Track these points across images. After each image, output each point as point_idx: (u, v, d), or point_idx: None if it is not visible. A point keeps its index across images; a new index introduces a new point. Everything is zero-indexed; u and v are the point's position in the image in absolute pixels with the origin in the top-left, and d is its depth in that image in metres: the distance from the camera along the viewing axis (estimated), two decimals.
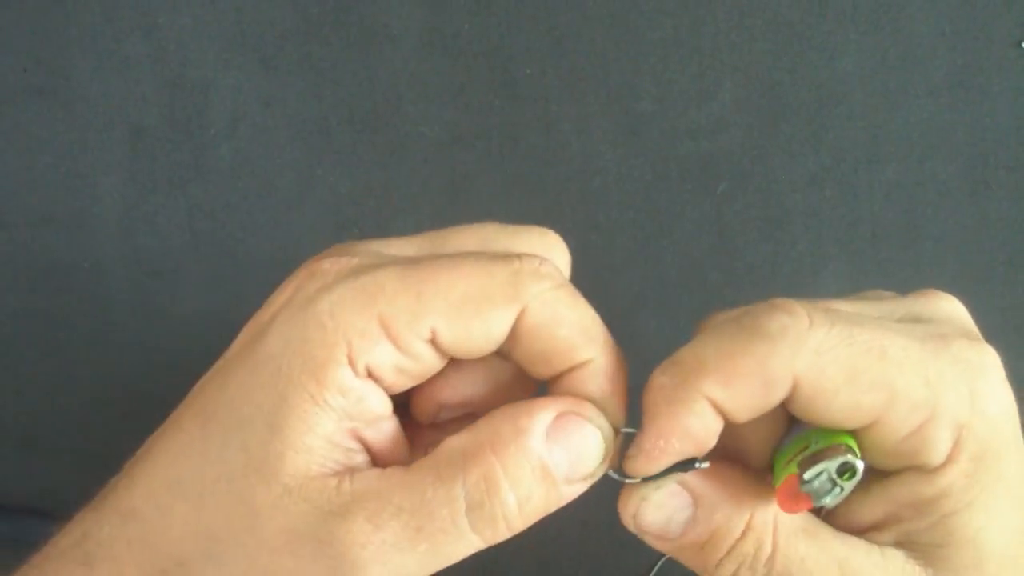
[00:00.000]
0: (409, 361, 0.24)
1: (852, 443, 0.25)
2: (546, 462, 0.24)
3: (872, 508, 0.26)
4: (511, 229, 0.27)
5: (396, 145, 0.45)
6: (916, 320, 0.27)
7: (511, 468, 0.24)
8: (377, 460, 0.25)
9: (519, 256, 0.25)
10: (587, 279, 0.45)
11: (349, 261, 0.24)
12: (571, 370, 0.25)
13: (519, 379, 0.27)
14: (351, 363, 0.23)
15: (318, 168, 0.45)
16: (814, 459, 0.25)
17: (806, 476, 0.25)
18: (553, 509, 0.25)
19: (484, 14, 0.44)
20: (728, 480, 0.27)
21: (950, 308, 0.28)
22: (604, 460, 0.26)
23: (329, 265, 0.24)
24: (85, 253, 0.47)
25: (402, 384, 0.25)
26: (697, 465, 0.26)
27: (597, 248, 0.44)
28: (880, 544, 0.26)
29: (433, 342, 0.24)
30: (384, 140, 0.45)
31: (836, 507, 0.27)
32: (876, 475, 0.26)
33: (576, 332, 0.25)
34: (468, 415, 0.28)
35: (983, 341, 0.26)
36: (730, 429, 0.26)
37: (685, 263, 0.43)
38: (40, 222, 0.47)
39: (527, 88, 0.44)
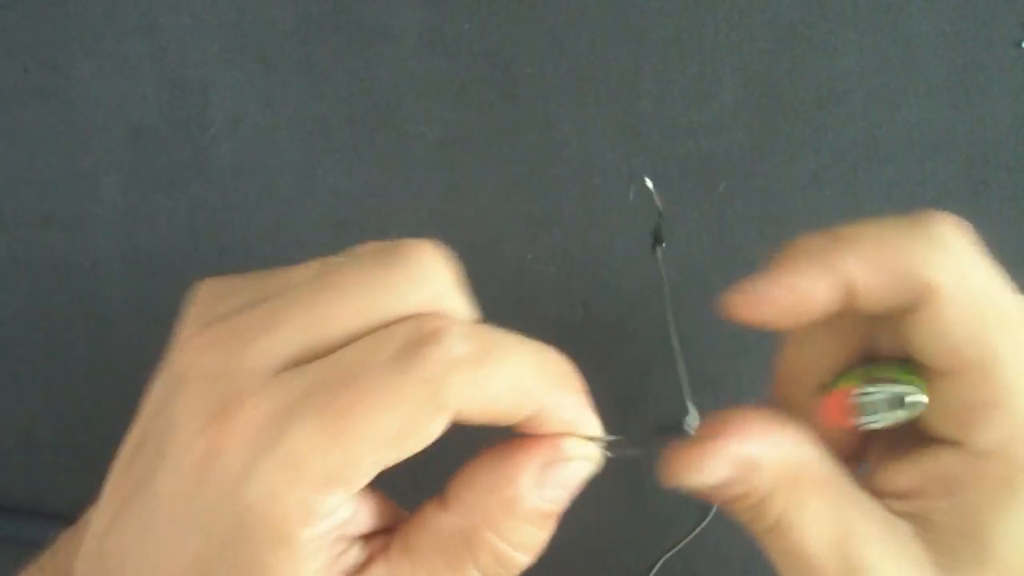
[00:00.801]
0: (358, 487, 0.23)
1: (922, 385, 0.25)
2: (542, 509, 0.24)
3: (903, 475, 0.26)
4: (384, 278, 0.24)
5: (396, 145, 0.45)
6: None
7: (514, 537, 0.24)
8: (369, 533, 0.25)
9: (421, 350, 0.22)
10: (587, 279, 0.45)
11: (250, 419, 0.22)
12: (528, 418, 0.25)
13: None
14: (307, 524, 0.22)
15: (318, 168, 0.45)
16: (880, 380, 0.25)
17: (869, 388, 0.25)
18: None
19: (484, 14, 0.44)
20: (771, 432, 0.26)
21: None
22: (593, 468, 0.26)
23: (232, 434, 0.22)
24: (85, 253, 0.47)
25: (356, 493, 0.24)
26: (687, 428, 0.26)
27: (597, 248, 0.44)
28: (897, 513, 0.26)
29: (374, 467, 0.23)
30: (384, 140, 0.45)
31: (871, 467, 0.27)
32: (919, 445, 0.26)
33: (514, 398, 0.24)
34: None
35: None
36: (803, 348, 0.26)
37: (685, 263, 0.43)
38: (40, 222, 0.47)
39: (527, 88, 0.44)
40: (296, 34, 0.45)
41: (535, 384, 0.24)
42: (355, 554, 0.24)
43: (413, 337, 0.23)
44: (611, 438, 0.26)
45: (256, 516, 0.22)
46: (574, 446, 0.25)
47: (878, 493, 0.27)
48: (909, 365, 0.26)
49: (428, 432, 0.23)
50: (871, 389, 0.25)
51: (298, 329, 0.23)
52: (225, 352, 0.23)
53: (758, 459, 0.26)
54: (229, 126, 0.46)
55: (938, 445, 0.26)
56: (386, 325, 0.23)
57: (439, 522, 0.24)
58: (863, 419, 0.25)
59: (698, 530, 0.43)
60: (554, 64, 0.44)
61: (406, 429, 0.22)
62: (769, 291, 0.26)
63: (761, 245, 0.43)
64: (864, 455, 0.29)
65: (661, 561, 0.43)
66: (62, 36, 0.46)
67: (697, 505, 0.43)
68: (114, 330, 0.47)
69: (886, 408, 0.25)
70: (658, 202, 0.25)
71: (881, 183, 0.42)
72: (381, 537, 0.25)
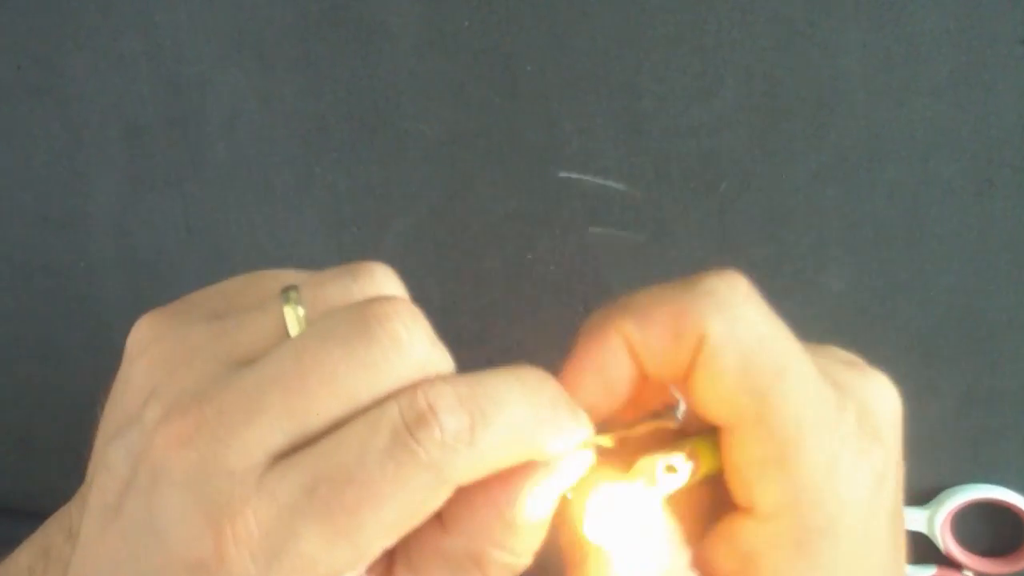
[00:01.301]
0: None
1: (704, 448, 0.26)
2: (539, 516, 0.24)
3: (717, 555, 0.26)
4: (360, 357, 0.23)
5: (396, 144, 0.45)
6: (835, 381, 0.26)
7: (518, 548, 0.24)
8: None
9: (415, 436, 0.22)
10: (588, 279, 0.45)
11: (252, 535, 0.22)
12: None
13: None
14: None
15: (316, 167, 0.45)
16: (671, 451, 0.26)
17: (639, 462, 0.25)
18: None
19: (484, 12, 0.44)
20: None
21: (876, 390, 0.27)
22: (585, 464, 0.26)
23: (234, 550, 0.21)
24: (81, 252, 0.46)
25: None
26: (671, 415, 0.26)
27: (598, 248, 0.44)
28: None
29: (385, 547, 0.23)
30: (384, 139, 0.45)
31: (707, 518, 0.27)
32: (739, 527, 0.26)
33: (510, 450, 0.23)
34: None
35: (880, 429, 0.26)
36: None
37: (687, 262, 0.43)
38: (36, 221, 0.47)
39: (527, 86, 0.44)
40: (294, 32, 0.45)
41: (530, 428, 0.24)
42: None
43: (404, 419, 0.22)
44: (602, 439, 0.26)
45: None
46: (568, 460, 0.25)
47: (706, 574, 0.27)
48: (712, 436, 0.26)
49: (432, 508, 0.23)
50: (643, 463, 0.25)
51: (280, 419, 0.22)
52: (204, 450, 0.22)
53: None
54: (226, 125, 0.45)
55: (740, 515, 0.26)
56: (372, 404, 0.23)
57: (443, 543, 0.24)
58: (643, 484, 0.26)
59: None
60: (554, 63, 0.44)
61: (411, 513, 0.22)
62: (571, 379, 0.27)
63: (762, 245, 0.43)
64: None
65: None
66: (57, 34, 0.46)
67: None
68: (109, 329, 0.47)
69: (660, 475, 0.25)
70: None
71: (883, 182, 0.42)
72: (382, 559, 0.24)
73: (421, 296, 0.25)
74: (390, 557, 0.25)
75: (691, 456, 0.25)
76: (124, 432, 0.24)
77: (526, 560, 0.25)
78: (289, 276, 0.26)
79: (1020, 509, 0.41)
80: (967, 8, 0.41)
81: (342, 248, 0.46)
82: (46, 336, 0.47)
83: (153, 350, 0.25)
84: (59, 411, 0.47)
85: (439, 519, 0.24)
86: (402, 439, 0.22)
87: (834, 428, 0.25)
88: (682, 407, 0.25)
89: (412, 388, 0.23)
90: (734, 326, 0.25)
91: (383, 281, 0.26)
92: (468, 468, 0.23)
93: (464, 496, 0.24)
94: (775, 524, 0.25)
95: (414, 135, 0.45)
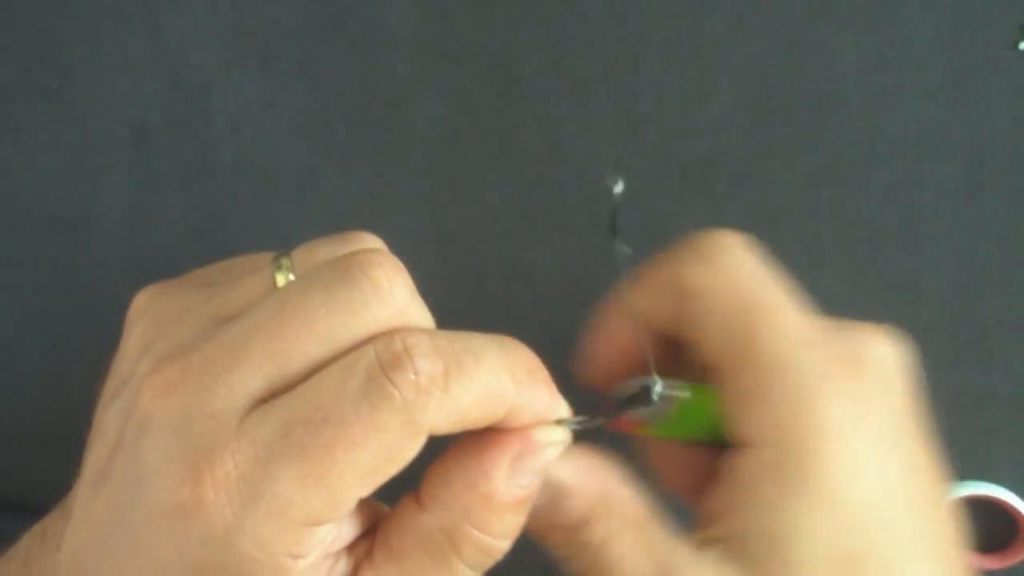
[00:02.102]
0: (345, 515, 0.23)
1: (696, 388, 0.26)
2: (518, 496, 0.25)
3: (716, 495, 0.26)
4: (342, 302, 0.23)
5: (397, 145, 0.45)
6: (828, 330, 0.27)
7: (494, 528, 0.24)
8: (351, 540, 0.25)
9: (391, 377, 0.22)
10: (588, 279, 0.45)
11: (228, 475, 0.22)
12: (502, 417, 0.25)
13: None
14: (300, 557, 0.22)
15: (319, 168, 0.45)
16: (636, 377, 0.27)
17: (616, 389, 0.26)
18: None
19: (484, 13, 0.44)
20: (590, 469, 0.27)
21: (877, 343, 0.27)
22: (563, 446, 0.26)
23: (211, 493, 0.21)
24: (87, 253, 0.47)
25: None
26: (655, 395, 0.26)
27: (597, 248, 0.44)
28: (711, 538, 0.26)
29: (359, 496, 0.23)
30: (385, 140, 0.45)
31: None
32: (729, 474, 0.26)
33: (486, 407, 0.24)
34: None
35: (876, 371, 0.26)
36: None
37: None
38: (42, 221, 0.47)
39: (527, 87, 0.44)
40: (297, 35, 0.45)
41: (506, 387, 0.24)
42: (342, 567, 0.24)
43: (380, 361, 0.22)
44: (579, 419, 0.26)
45: (248, 562, 0.22)
46: (545, 434, 0.25)
47: (703, 518, 0.27)
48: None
49: (407, 456, 0.23)
50: (620, 387, 0.26)
51: (261, 363, 0.23)
52: (188, 395, 0.22)
53: (568, 482, 0.26)
54: (230, 126, 0.46)
55: (732, 452, 0.26)
56: (351, 348, 0.23)
57: (419, 522, 0.24)
58: (628, 413, 0.26)
59: None
60: (554, 64, 0.44)
61: (386, 458, 0.22)
62: (593, 350, 0.28)
63: (759, 245, 0.44)
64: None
65: None
66: (64, 37, 0.46)
67: None
68: (115, 330, 0.47)
69: (643, 404, 0.26)
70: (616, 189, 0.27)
71: (878, 184, 0.42)
72: (363, 541, 0.25)
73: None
74: (370, 541, 0.25)
75: (675, 387, 0.26)
76: (116, 396, 0.25)
77: (503, 544, 0.25)
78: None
79: (1012, 506, 0.42)
80: (960, 12, 0.41)
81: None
82: (52, 335, 0.48)
83: (147, 315, 0.26)
84: (65, 409, 0.47)
85: (416, 499, 0.25)
86: (377, 380, 0.22)
87: (816, 362, 0.25)
88: (658, 388, 0.26)
89: (390, 332, 0.23)
90: (713, 272, 0.26)
91: (372, 245, 0.27)
92: (441, 416, 0.22)
93: (440, 472, 0.24)
94: (761, 452, 0.25)
95: (415, 136, 0.45)
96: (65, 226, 0.47)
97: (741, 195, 0.43)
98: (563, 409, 0.26)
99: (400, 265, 0.24)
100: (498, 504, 0.24)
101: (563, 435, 0.26)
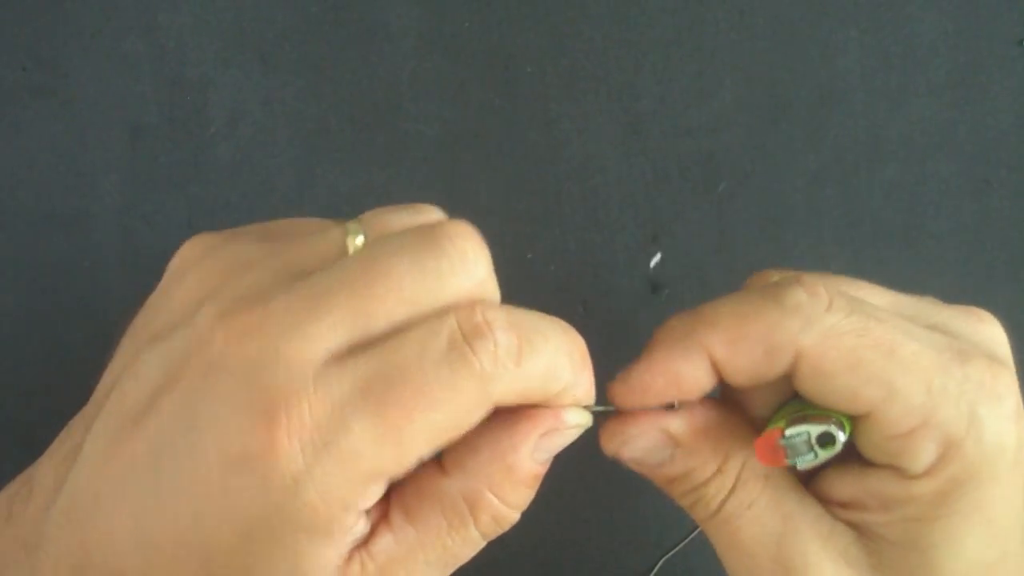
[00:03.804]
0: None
1: (845, 421, 0.26)
2: (537, 472, 0.25)
3: (844, 487, 0.27)
4: (428, 268, 0.24)
5: (396, 144, 0.45)
6: (946, 332, 0.27)
7: (511, 499, 0.25)
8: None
9: (470, 344, 0.23)
10: (588, 278, 0.45)
11: (305, 424, 0.22)
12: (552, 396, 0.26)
13: None
14: (352, 513, 0.23)
15: (318, 167, 0.45)
16: (802, 420, 0.26)
17: (788, 432, 0.26)
18: None
19: (484, 13, 0.44)
20: (713, 423, 0.28)
21: (988, 331, 0.28)
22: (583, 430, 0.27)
23: (287, 440, 0.22)
24: (84, 252, 0.47)
25: None
26: (839, 444, 0.26)
27: (597, 248, 0.44)
28: (839, 518, 0.27)
29: (421, 458, 0.24)
30: (384, 139, 0.45)
31: (813, 474, 0.28)
32: (859, 461, 0.27)
33: (545, 384, 0.25)
34: None
35: (1008, 368, 0.26)
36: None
37: (685, 262, 0.43)
38: (39, 221, 0.47)
39: (527, 87, 0.44)
40: (295, 33, 0.45)
41: (564, 368, 0.25)
42: (361, 526, 0.24)
43: (463, 329, 0.23)
44: (606, 408, 0.27)
45: (307, 511, 0.22)
46: (576, 416, 0.26)
47: (820, 499, 0.27)
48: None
49: (472, 422, 0.24)
50: (792, 432, 0.26)
51: (344, 318, 0.23)
52: (267, 342, 0.22)
53: (692, 443, 0.27)
54: (228, 125, 0.46)
55: (876, 467, 0.26)
56: (431, 314, 0.24)
57: (440, 487, 0.25)
58: (790, 459, 0.26)
59: (698, 530, 0.43)
60: (554, 63, 0.44)
61: (455, 422, 0.23)
62: (642, 379, 0.27)
63: (761, 245, 0.43)
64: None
65: (661, 561, 0.43)
66: (61, 35, 0.46)
67: None
68: (113, 329, 0.47)
69: (807, 449, 0.26)
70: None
71: (882, 182, 0.42)
72: (379, 504, 0.25)
73: None
74: (386, 502, 0.25)
75: (838, 428, 0.26)
76: (162, 339, 0.24)
77: (515, 515, 0.25)
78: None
79: None
80: (964, 9, 0.41)
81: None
82: (49, 335, 0.47)
83: (206, 263, 0.26)
84: (62, 410, 0.47)
85: (439, 465, 0.25)
86: (459, 347, 0.23)
87: (964, 382, 0.25)
88: (842, 437, 0.26)
89: (471, 304, 0.24)
90: (829, 334, 0.25)
91: (441, 216, 0.27)
92: (510, 388, 0.23)
93: (468, 441, 0.25)
94: (921, 481, 0.25)
95: (414, 135, 0.45)
96: (62, 224, 0.47)
97: (743, 194, 0.43)
98: (593, 396, 0.26)
99: (482, 240, 0.25)
100: (519, 476, 0.25)
101: (588, 420, 0.26)
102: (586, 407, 0.26)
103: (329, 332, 0.23)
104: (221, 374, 0.22)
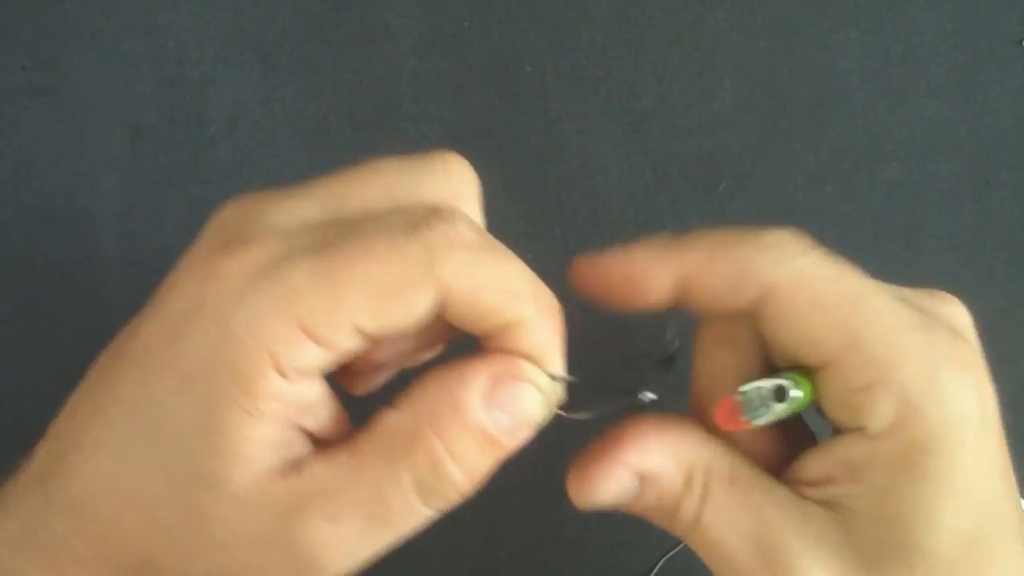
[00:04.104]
0: (336, 354, 0.23)
1: (803, 381, 0.26)
2: (487, 429, 0.24)
3: (813, 465, 0.27)
4: (412, 168, 0.25)
5: (396, 144, 0.45)
6: (915, 307, 0.26)
7: (454, 445, 0.24)
8: (317, 435, 0.25)
9: (428, 222, 0.23)
10: None
11: (254, 255, 0.23)
12: (502, 328, 0.25)
13: (450, 326, 0.26)
14: (279, 371, 0.22)
15: (318, 167, 0.45)
16: (757, 379, 0.26)
17: (741, 388, 0.26)
18: (502, 460, 0.25)
19: (484, 12, 0.44)
20: (668, 439, 0.27)
21: (955, 311, 0.28)
22: (546, 408, 0.26)
23: (235, 265, 0.23)
24: (84, 252, 0.47)
25: (331, 367, 0.24)
26: (643, 397, 0.26)
27: (597, 247, 0.44)
28: (811, 499, 0.26)
29: (357, 332, 0.23)
30: (384, 139, 0.45)
31: (781, 464, 0.28)
32: (824, 438, 0.27)
33: (500, 296, 0.24)
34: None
35: (971, 345, 0.26)
36: (711, 362, 0.28)
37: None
38: (39, 221, 0.47)
39: (527, 87, 0.44)
40: (295, 33, 0.45)
41: (523, 293, 0.24)
42: (301, 447, 0.24)
43: (424, 213, 0.23)
44: (568, 377, 0.26)
45: (235, 347, 0.22)
46: (528, 369, 0.25)
47: (793, 483, 0.27)
48: (805, 370, 0.27)
49: (414, 303, 0.23)
50: (747, 388, 0.26)
51: (322, 196, 0.25)
52: (250, 209, 0.25)
53: (655, 469, 0.27)
54: (228, 125, 0.46)
55: (842, 434, 0.26)
56: (406, 205, 0.24)
57: (384, 421, 0.24)
58: (747, 416, 0.26)
59: None
60: (554, 63, 0.44)
61: (396, 289, 0.23)
62: (608, 264, 0.28)
63: None
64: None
65: (662, 561, 0.43)
66: (61, 35, 0.46)
67: None
68: (113, 329, 0.47)
69: (765, 404, 0.26)
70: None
71: (882, 182, 0.42)
72: (332, 445, 0.25)
73: None
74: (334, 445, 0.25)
75: (792, 385, 0.26)
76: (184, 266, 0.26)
77: (458, 474, 0.24)
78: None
79: None
80: (965, 9, 0.41)
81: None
82: (49, 335, 0.47)
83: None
84: (62, 407, 0.47)
85: (390, 403, 0.25)
86: (414, 223, 0.23)
87: (927, 345, 0.25)
88: (793, 392, 0.26)
89: (447, 206, 0.25)
90: (802, 274, 0.25)
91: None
92: (459, 276, 0.23)
93: (421, 380, 0.24)
94: (883, 442, 0.25)
95: (414, 135, 0.45)
96: (61, 225, 0.47)
97: (743, 193, 0.43)
98: (557, 364, 0.26)
99: (473, 172, 0.26)
100: (465, 419, 0.24)
101: (548, 387, 0.25)
102: (552, 375, 0.25)
103: (305, 206, 0.24)
104: (204, 232, 0.25)
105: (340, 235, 0.23)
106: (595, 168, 0.44)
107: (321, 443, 0.25)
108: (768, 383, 0.25)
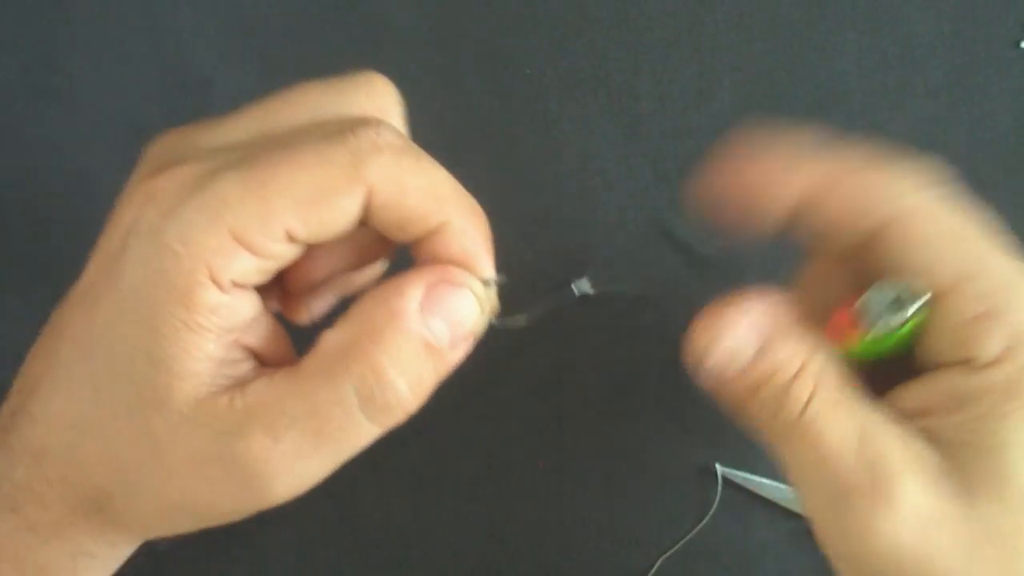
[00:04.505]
0: (269, 262, 0.24)
1: (922, 291, 0.26)
2: (427, 337, 0.24)
3: (914, 395, 0.27)
4: (336, 88, 0.26)
5: None
6: None
7: (394, 354, 0.24)
8: (262, 357, 0.25)
9: (353, 130, 0.24)
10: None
11: (184, 172, 0.23)
12: (430, 234, 0.25)
13: (383, 238, 0.27)
14: (214, 282, 0.23)
15: None
16: (875, 288, 0.26)
17: (865, 296, 0.25)
18: (444, 376, 0.25)
19: (484, 13, 0.44)
20: (790, 318, 0.27)
21: None
22: (482, 314, 0.26)
23: (165, 183, 0.23)
24: (86, 253, 0.47)
25: (267, 277, 0.24)
26: (576, 289, 0.26)
27: (597, 248, 0.44)
28: (910, 427, 0.26)
29: (288, 238, 0.23)
30: None
31: (880, 388, 0.27)
32: (926, 367, 0.27)
33: (425, 198, 0.24)
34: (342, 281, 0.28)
35: None
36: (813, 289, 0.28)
37: (685, 262, 0.43)
38: (40, 222, 0.47)
39: (527, 88, 0.44)
40: (296, 33, 0.45)
41: (449, 197, 0.25)
42: (246, 368, 0.24)
43: (351, 123, 0.24)
44: (499, 279, 0.26)
45: (168, 254, 0.22)
46: (459, 273, 0.25)
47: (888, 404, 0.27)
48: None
49: (342, 206, 0.23)
50: (868, 295, 0.25)
51: (250, 120, 0.25)
52: (181, 137, 0.25)
53: (779, 340, 0.27)
54: None
55: (944, 367, 0.26)
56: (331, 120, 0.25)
57: (325, 339, 0.24)
58: (868, 323, 0.25)
59: (697, 530, 0.43)
60: (554, 64, 0.44)
61: (323, 193, 0.23)
62: (742, 166, 0.27)
63: (760, 244, 0.43)
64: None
65: (661, 561, 0.43)
66: (63, 35, 0.46)
67: (697, 505, 0.43)
68: None
69: (890, 312, 0.25)
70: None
71: None
72: (271, 371, 0.25)
73: None
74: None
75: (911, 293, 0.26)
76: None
77: (400, 384, 0.24)
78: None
79: None
80: (962, 11, 0.41)
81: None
82: None
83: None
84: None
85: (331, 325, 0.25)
86: (340, 131, 0.24)
87: None
88: (586, 285, 0.26)
89: (372, 117, 0.25)
90: (927, 205, 0.26)
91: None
92: (384, 178, 0.23)
93: (360, 299, 0.25)
94: (991, 371, 0.25)
95: (415, 136, 0.45)
96: (63, 226, 0.47)
97: None
98: (489, 269, 0.26)
99: (396, 90, 0.27)
100: (405, 328, 0.24)
101: (482, 293, 0.26)
102: (486, 283, 0.26)
103: (235, 128, 0.25)
104: (139, 161, 0.25)
105: (268, 148, 0.23)
106: (595, 168, 0.44)
107: (267, 367, 0.25)
108: (892, 290, 0.25)
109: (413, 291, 0.24)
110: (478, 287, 0.25)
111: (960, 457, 0.25)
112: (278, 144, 0.24)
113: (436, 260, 0.25)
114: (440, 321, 0.25)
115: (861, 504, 0.25)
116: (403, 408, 0.24)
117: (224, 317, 0.23)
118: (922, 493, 0.25)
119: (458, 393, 0.46)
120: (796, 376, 0.26)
